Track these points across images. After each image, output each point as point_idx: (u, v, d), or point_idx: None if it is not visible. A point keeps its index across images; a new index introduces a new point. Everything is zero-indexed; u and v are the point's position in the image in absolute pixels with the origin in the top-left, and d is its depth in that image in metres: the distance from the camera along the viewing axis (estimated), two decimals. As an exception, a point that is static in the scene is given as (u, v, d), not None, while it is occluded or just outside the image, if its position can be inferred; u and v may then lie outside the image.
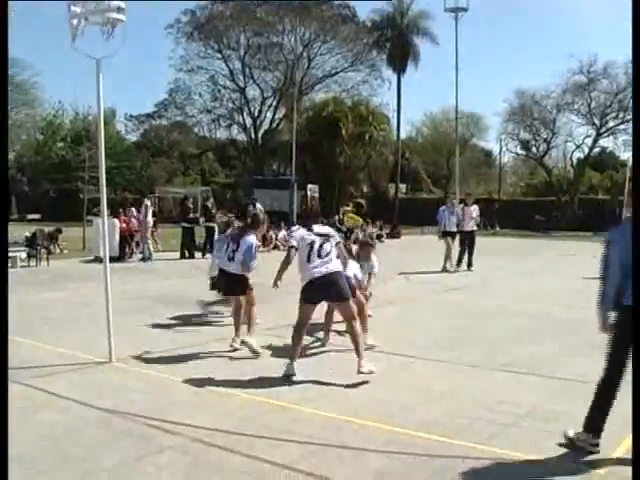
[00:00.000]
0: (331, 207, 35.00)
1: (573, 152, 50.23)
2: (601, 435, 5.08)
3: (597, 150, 51.66)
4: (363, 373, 6.80)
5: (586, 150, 48.62)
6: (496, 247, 26.34)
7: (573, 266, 18.94)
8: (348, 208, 29.77)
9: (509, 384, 6.97)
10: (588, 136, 47.76)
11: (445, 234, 17.77)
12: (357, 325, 7.11)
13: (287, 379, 6.90)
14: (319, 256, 7.03)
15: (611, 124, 46.76)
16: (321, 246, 7.08)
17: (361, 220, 28.21)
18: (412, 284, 14.99)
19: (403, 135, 51.88)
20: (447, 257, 17.67)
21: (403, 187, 48.41)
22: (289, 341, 7.23)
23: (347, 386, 6.77)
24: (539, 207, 43.96)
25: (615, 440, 5.23)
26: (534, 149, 50.03)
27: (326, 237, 7.19)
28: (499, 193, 51.36)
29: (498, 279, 16.33)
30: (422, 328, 9.97)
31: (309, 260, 7.02)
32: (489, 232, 37.63)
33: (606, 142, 51.14)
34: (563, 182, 48.72)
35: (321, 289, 6.99)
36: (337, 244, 7.23)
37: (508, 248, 26.84)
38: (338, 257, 7.22)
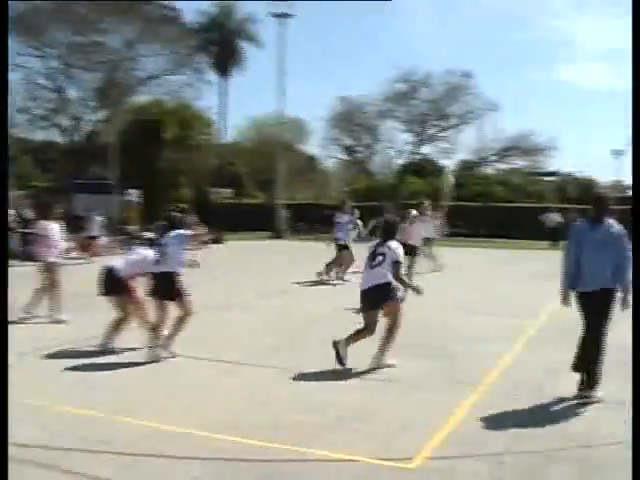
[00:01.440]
0: (152, 212, 33.86)
1: (394, 158, 51.85)
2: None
3: (418, 157, 53.37)
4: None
5: (407, 156, 50.56)
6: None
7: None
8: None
9: (330, 387, 7.15)
10: (409, 143, 49.69)
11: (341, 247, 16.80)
12: None
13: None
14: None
15: (431, 131, 48.91)
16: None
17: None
18: (243, 289, 14.94)
19: (228, 139, 52.42)
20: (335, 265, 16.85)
21: (227, 192, 48.42)
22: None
23: (168, 394, 6.73)
24: (362, 212, 44.68)
25: (420, 443, 5.60)
26: (357, 154, 51.70)
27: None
28: (323, 199, 51.46)
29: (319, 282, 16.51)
30: (250, 332, 10.02)
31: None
32: (314, 236, 38.46)
33: (426, 149, 53.32)
34: (385, 187, 50.76)
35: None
36: None
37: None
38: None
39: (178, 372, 7.66)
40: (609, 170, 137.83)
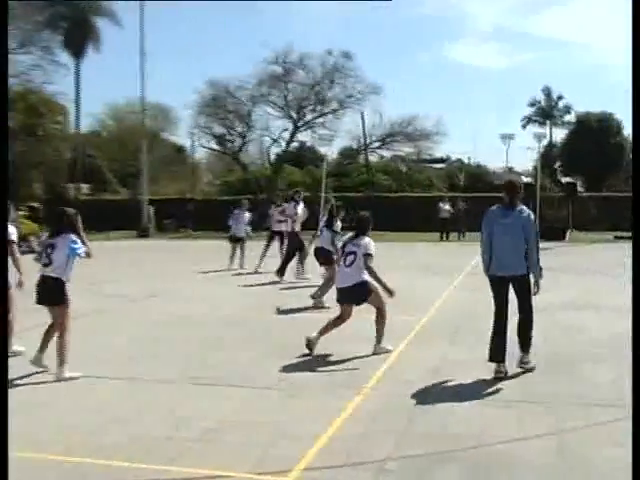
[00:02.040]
0: None
1: (270, 147, 52.04)
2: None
3: (295, 145, 54.17)
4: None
5: (284, 145, 50.51)
6: (192, 250, 27.05)
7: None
8: (21, 213, 28.36)
9: (203, 397, 7.10)
10: (285, 129, 49.58)
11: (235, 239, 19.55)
12: None
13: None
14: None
15: (309, 117, 48.90)
16: None
17: (37, 226, 27.09)
18: (105, 296, 14.60)
19: (84, 129, 51.13)
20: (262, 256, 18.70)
21: (85, 187, 47.51)
22: None
23: (26, 413, 6.41)
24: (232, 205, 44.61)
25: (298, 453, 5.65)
26: (229, 144, 51.05)
27: None
28: (193, 192, 51.52)
29: (193, 284, 16.55)
30: (110, 342, 9.84)
31: None
32: (183, 234, 38.14)
33: (304, 136, 53.19)
34: (261, 179, 50.82)
35: None
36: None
37: (199, 251, 27.39)
38: None
39: (36, 389, 7.36)
40: (499, 156, 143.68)
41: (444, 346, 9.22)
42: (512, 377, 7.69)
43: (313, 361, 8.55)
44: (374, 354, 8.81)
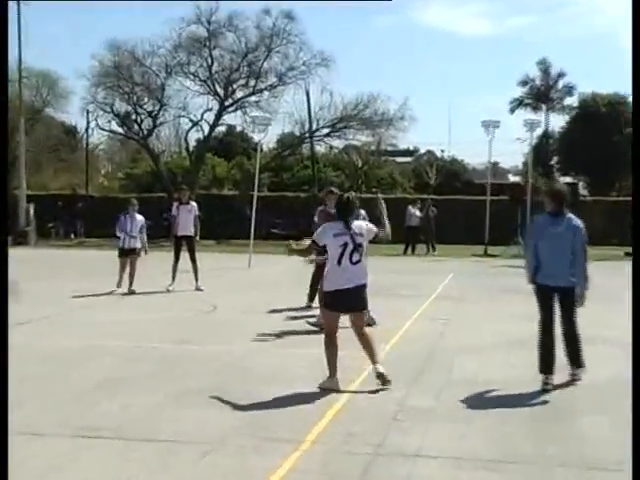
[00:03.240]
0: None
1: (189, 131, 51.92)
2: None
3: (222, 129, 55.09)
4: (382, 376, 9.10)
5: (207, 129, 50.38)
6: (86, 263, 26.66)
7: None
8: None
9: (89, 455, 6.94)
10: (209, 109, 49.63)
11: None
12: None
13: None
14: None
15: (239, 94, 49.23)
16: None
17: None
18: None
19: None
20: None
21: None
22: None
23: None
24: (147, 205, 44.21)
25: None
26: (136, 126, 50.72)
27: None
28: (87, 187, 51.52)
29: (74, 309, 16.54)
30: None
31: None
32: (71, 241, 37.80)
33: (233, 119, 53.72)
34: (177, 172, 50.64)
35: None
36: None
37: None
38: None
39: None
40: (480, 148, 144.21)
41: (403, 390, 9.19)
42: (488, 430, 7.67)
43: (236, 405, 8.47)
44: (322, 391, 9.07)
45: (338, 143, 52.55)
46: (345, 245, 9.13)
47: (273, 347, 12.25)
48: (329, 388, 9.15)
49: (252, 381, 9.41)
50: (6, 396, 5.79)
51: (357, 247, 9.16)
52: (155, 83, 48.96)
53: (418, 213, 34.51)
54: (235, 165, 53.73)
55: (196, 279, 19.47)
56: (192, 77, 48.97)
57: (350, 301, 9.24)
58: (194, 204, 20.09)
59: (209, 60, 48.27)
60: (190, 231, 19.69)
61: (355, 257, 9.16)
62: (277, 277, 23.18)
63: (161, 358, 11.31)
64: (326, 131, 49.91)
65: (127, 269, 19.27)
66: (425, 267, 27.76)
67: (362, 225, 9.54)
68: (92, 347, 12.06)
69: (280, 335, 13.16)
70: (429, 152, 65.90)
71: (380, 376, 9.19)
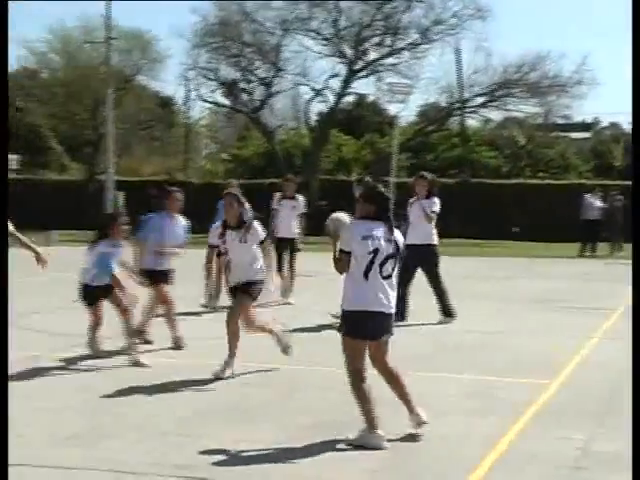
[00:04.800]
0: None
1: (310, 102, 51.99)
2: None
3: (350, 100, 54.79)
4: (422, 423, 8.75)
5: (332, 99, 50.44)
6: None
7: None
8: None
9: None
10: (335, 75, 49.71)
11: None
12: None
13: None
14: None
15: (372, 56, 49.05)
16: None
17: None
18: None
19: (12, 67, 50.43)
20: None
21: (14, 160, 47.27)
22: None
23: None
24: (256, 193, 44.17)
25: None
26: (245, 96, 51.50)
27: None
28: (187, 171, 52.34)
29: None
30: None
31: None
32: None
33: (365, 86, 53.77)
34: (295, 153, 51.08)
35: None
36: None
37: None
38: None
39: None
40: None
41: (585, 430, 8.90)
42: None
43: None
44: (479, 426, 8.92)
45: (496, 115, 51.94)
46: (376, 252, 8.73)
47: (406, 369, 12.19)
48: (370, 445, 8.50)
49: (384, 411, 8.98)
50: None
51: (390, 257, 8.84)
52: (269, 43, 49.33)
53: (599, 203, 33.90)
54: (366, 144, 53.93)
55: (287, 291, 19.25)
56: (314, 35, 49.25)
57: (376, 328, 8.86)
58: (301, 199, 19.91)
59: (335, 14, 48.18)
60: (293, 232, 19.67)
61: (386, 270, 8.83)
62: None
63: (280, 381, 11.43)
64: (481, 100, 49.30)
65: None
66: (608, 272, 27.19)
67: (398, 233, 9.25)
68: (195, 366, 12.27)
69: (415, 355, 12.99)
70: (613, 125, 64.64)
71: (419, 424, 8.81)
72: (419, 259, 16.94)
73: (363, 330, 8.69)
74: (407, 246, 16.25)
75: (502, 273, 25.40)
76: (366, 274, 8.60)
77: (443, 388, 10.89)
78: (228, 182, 20.98)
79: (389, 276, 8.78)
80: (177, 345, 13.52)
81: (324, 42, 49.22)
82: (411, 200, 17.05)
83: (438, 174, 45.82)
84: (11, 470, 6.96)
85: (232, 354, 11.75)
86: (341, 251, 8.83)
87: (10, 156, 46.79)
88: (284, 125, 55.34)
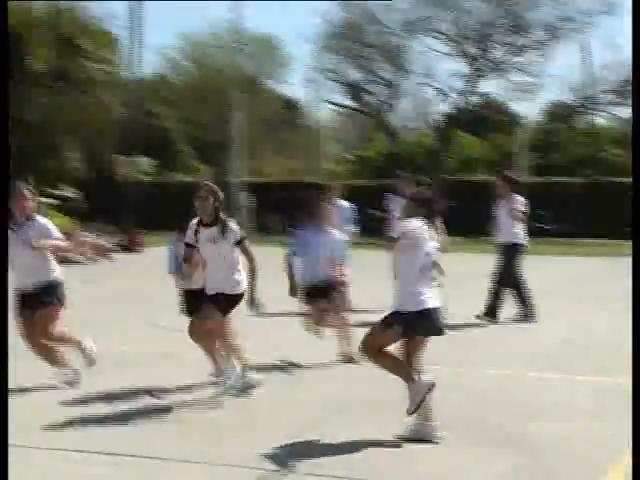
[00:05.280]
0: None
1: (434, 102, 52.79)
2: None
3: (475, 99, 54.01)
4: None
5: (456, 98, 50.68)
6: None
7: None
8: (47, 200, 29.86)
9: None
10: (459, 75, 50.08)
11: None
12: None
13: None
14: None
15: (497, 55, 49.23)
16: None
17: (69, 220, 28.52)
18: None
19: (145, 72, 51.49)
20: None
21: (146, 163, 49.27)
22: None
23: None
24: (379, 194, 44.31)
25: None
26: (370, 97, 52.11)
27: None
28: (313, 171, 52.76)
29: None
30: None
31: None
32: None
33: (489, 85, 54.32)
34: (419, 153, 50.75)
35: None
36: None
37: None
38: None
39: None
40: None
41: None
42: None
43: (505, 448, 8.27)
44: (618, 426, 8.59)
45: (624, 113, 50.27)
46: (429, 255, 9.07)
47: (536, 371, 11.98)
48: (420, 395, 8.76)
49: (516, 415, 9.21)
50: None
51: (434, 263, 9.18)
52: (393, 45, 49.88)
53: None
54: (491, 144, 54.03)
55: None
56: (438, 35, 49.60)
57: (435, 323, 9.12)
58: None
59: (459, 13, 48.54)
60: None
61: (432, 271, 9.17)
62: (544, 283, 21.65)
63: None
64: (610, 97, 49.32)
65: None
66: None
67: None
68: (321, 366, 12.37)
69: (545, 355, 13.03)
70: None
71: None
72: (504, 257, 17.24)
73: (424, 327, 8.90)
74: (497, 245, 17.40)
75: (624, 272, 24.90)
76: (423, 274, 8.92)
77: (568, 389, 10.83)
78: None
79: (433, 276, 9.05)
80: (347, 359, 12.59)
81: (448, 42, 49.49)
82: (498, 200, 17.24)
83: (566, 174, 45.78)
84: None
85: (217, 365, 10.90)
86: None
87: (142, 159, 48.31)
88: (408, 125, 55.57)
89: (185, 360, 12.29)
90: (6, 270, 10.12)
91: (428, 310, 8.89)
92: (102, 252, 30.37)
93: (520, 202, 17.33)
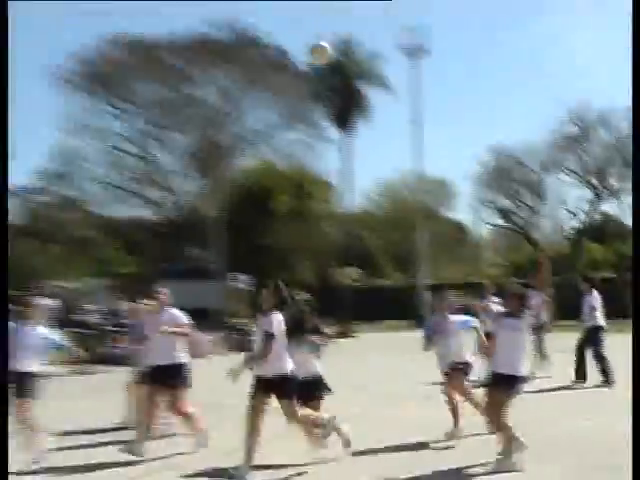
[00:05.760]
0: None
1: (567, 220, 59.77)
2: None
3: (597, 217, 61.03)
4: None
5: (583, 217, 57.99)
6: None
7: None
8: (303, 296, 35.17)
9: None
10: (584, 200, 57.43)
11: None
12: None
13: None
14: None
15: (613, 183, 56.29)
16: None
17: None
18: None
19: (354, 208, 58.18)
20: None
21: (354, 272, 55.04)
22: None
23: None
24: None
25: None
26: (517, 219, 59.36)
27: None
28: (476, 274, 58.38)
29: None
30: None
31: None
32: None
33: (608, 206, 60.79)
34: (557, 258, 55.48)
35: None
36: None
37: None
38: None
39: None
40: None
41: None
42: None
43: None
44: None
45: None
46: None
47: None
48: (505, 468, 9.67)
49: None
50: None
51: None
52: (533, 180, 57.19)
53: None
54: (609, 248, 59.34)
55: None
56: (567, 172, 56.89)
57: None
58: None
59: (582, 154, 56.04)
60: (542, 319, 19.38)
61: None
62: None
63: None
64: None
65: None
66: None
67: None
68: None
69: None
70: None
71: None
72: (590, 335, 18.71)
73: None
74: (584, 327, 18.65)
75: None
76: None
77: None
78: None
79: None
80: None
81: (575, 176, 57.10)
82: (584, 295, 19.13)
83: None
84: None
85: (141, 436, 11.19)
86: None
87: (352, 269, 54.53)
88: (547, 239, 62.30)
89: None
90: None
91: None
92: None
93: (595, 297, 18.90)
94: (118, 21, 78.78)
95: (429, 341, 12.53)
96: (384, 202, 70.25)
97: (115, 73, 51.69)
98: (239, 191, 51.77)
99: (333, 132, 53.74)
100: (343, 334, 38.75)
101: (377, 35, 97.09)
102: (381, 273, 61.40)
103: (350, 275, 53.52)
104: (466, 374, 12.15)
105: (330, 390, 11.05)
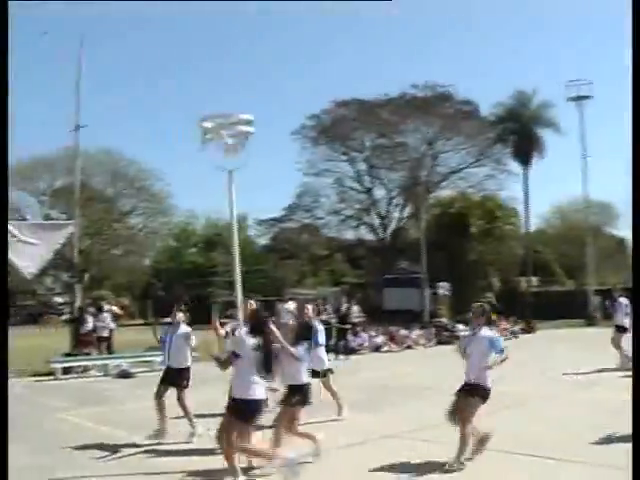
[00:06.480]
0: (461, 304, 40.83)
1: None
2: None
3: None
4: None
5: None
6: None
7: None
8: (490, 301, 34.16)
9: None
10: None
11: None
12: None
13: None
14: None
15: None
16: None
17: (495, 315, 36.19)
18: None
19: (533, 228, 60.01)
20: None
21: (535, 280, 57.36)
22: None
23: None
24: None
25: None
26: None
27: None
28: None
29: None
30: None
31: None
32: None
33: None
34: None
35: None
36: None
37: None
38: None
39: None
40: None
41: None
42: None
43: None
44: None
45: None
46: None
47: None
48: None
49: None
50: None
51: None
52: None
53: None
54: None
55: None
56: None
57: None
58: None
59: None
60: None
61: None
62: None
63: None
64: None
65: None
66: None
67: None
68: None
69: None
70: None
71: None
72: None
73: None
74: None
75: None
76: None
77: None
78: None
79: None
80: None
81: None
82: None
83: None
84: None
85: None
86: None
87: (532, 277, 57.03)
88: None
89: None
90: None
91: None
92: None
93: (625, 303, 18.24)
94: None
95: None
96: (557, 222, 73.64)
97: (342, 126, 59.44)
98: (440, 217, 55.79)
99: (515, 167, 58.34)
100: (526, 330, 41.51)
101: (546, 84, 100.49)
102: (555, 280, 64.17)
103: (530, 282, 55.54)
104: None
105: None
